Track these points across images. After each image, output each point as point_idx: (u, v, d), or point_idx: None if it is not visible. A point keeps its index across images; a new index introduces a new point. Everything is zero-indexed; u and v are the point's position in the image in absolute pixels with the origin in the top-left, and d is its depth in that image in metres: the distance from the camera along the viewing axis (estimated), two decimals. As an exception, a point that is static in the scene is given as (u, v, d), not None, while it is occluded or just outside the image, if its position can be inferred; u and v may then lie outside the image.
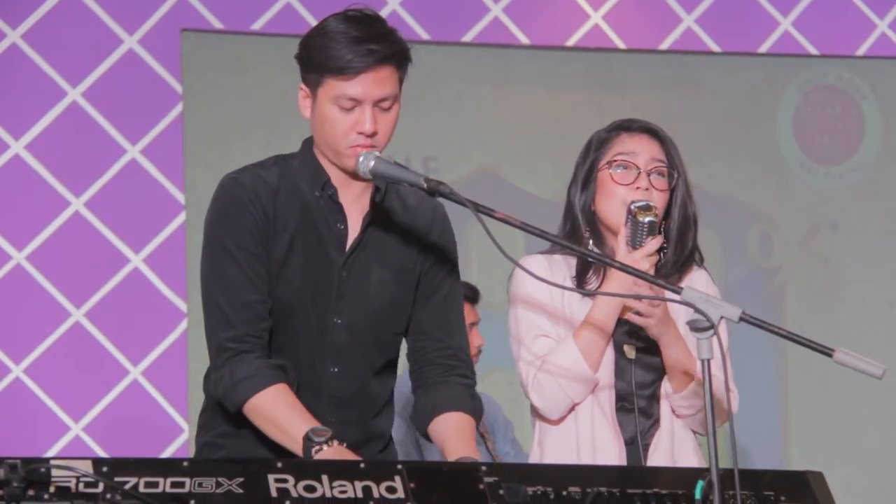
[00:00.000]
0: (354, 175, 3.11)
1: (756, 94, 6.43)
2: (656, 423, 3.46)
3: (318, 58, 3.07)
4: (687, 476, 2.78)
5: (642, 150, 3.47)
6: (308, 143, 3.20)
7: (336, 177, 3.15)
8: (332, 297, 3.14)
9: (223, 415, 3.14)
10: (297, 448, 2.96)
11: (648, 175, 3.45)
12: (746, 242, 6.41)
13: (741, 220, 6.40)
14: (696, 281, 3.48)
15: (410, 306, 3.23)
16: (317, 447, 2.93)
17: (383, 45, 3.06)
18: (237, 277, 3.08)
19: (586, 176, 3.51)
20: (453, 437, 3.12)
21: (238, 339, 3.07)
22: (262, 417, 3.04)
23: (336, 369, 3.15)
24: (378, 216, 3.18)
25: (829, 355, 2.75)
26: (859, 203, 6.45)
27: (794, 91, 6.47)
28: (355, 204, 3.17)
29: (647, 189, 3.43)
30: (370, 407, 3.20)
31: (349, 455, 2.93)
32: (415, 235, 3.22)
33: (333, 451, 2.92)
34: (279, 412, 3.02)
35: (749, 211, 6.42)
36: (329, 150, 3.13)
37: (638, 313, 3.36)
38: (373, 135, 3.07)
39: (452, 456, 3.04)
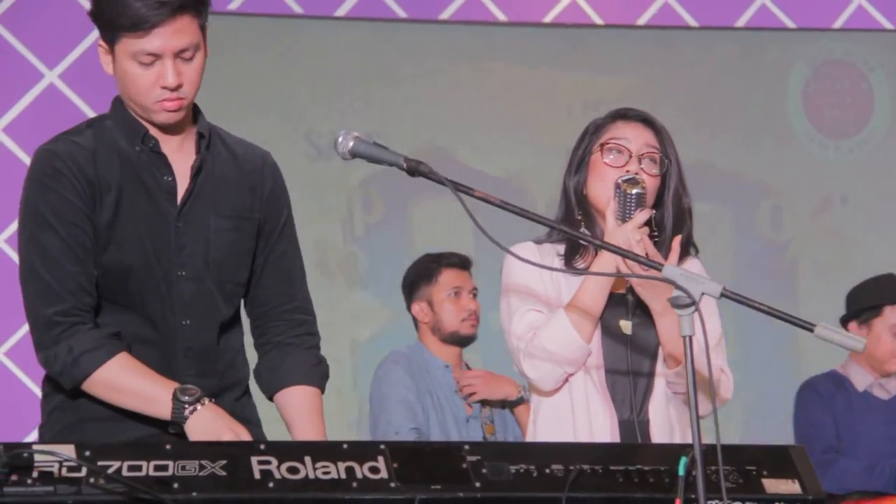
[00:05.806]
0: (171, 128, 3.04)
1: (766, 69, 6.43)
2: (648, 399, 3.46)
3: (109, 15, 2.95)
4: (670, 452, 2.78)
5: (635, 137, 3.49)
6: (119, 101, 3.09)
7: (154, 128, 3.06)
8: (171, 250, 3.05)
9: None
10: (162, 411, 2.92)
11: (640, 160, 3.47)
12: (757, 217, 6.40)
13: (752, 195, 6.41)
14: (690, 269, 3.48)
15: (251, 255, 3.16)
16: (190, 407, 2.91)
17: None
18: (59, 249, 2.99)
19: (580, 160, 3.54)
20: (303, 418, 3.11)
21: (67, 313, 2.98)
22: (111, 389, 2.97)
23: (187, 322, 3.07)
24: (207, 165, 3.10)
25: (811, 330, 2.75)
26: (869, 176, 6.44)
27: (803, 66, 6.46)
28: (179, 153, 3.08)
29: (636, 173, 3.44)
30: (224, 357, 3.14)
31: (223, 414, 2.92)
32: (247, 185, 3.14)
33: (209, 410, 2.91)
34: (132, 380, 2.96)
35: (760, 186, 6.42)
36: (137, 107, 3.03)
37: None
38: (177, 87, 2.98)
39: (301, 438, 3.05)
